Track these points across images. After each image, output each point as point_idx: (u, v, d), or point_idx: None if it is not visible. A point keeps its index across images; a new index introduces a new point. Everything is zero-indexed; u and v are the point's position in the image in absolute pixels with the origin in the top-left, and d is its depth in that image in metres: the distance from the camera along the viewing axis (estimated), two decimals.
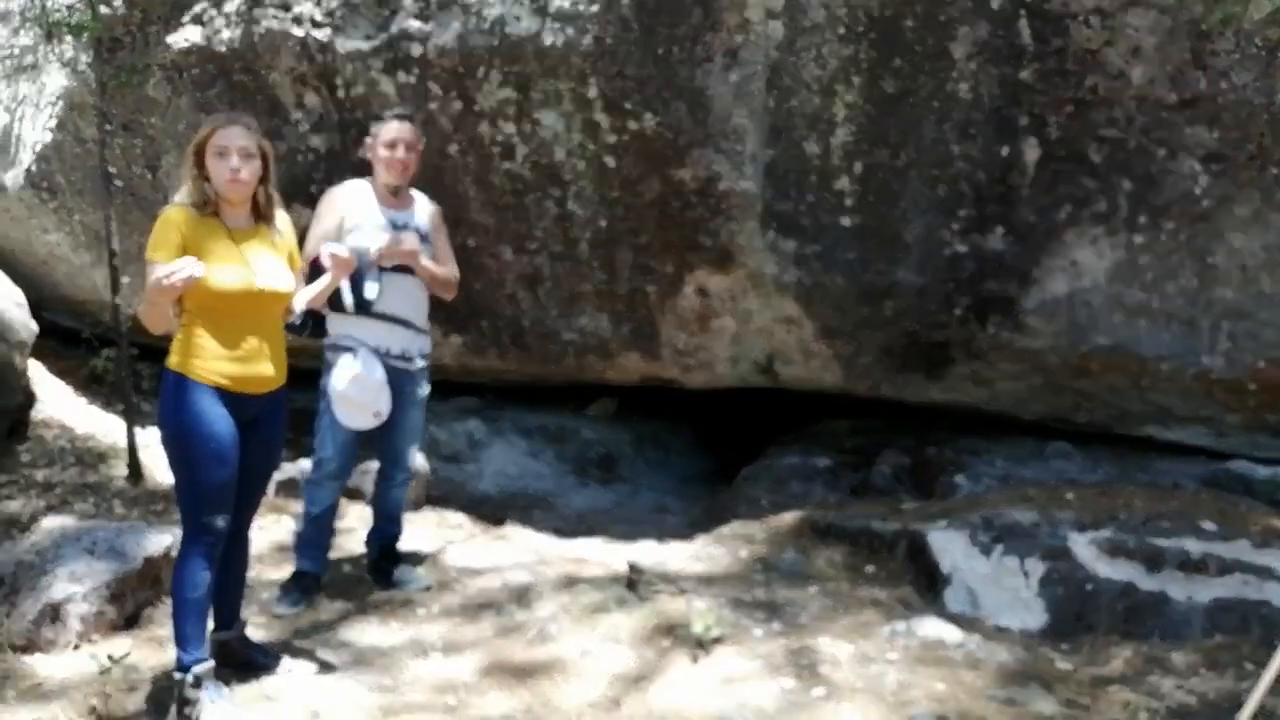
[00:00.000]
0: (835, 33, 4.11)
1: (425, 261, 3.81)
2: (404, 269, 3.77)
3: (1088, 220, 4.17)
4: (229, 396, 2.95)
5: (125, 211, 5.28)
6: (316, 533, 3.91)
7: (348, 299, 3.54)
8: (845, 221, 4.42)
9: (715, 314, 4.89)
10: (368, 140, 3.91)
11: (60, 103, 5.42)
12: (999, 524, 3.88)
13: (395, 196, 3.87)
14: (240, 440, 2.97)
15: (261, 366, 3.02)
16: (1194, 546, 3.64)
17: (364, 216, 3.79)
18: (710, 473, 6.36)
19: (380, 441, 4.02)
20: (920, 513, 4.30)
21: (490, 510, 5.20)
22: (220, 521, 2.97)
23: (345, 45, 4.55)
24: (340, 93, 4.71)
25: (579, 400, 6.48)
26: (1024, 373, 4.63)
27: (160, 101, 5.04)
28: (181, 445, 2.93)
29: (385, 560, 4.11)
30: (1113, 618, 3.55)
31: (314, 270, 3.51)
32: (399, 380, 3.81)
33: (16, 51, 5.72)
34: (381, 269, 3.66)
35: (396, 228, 3.79)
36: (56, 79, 5.42)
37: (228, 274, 2.93)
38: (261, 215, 3.08)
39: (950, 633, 3.51)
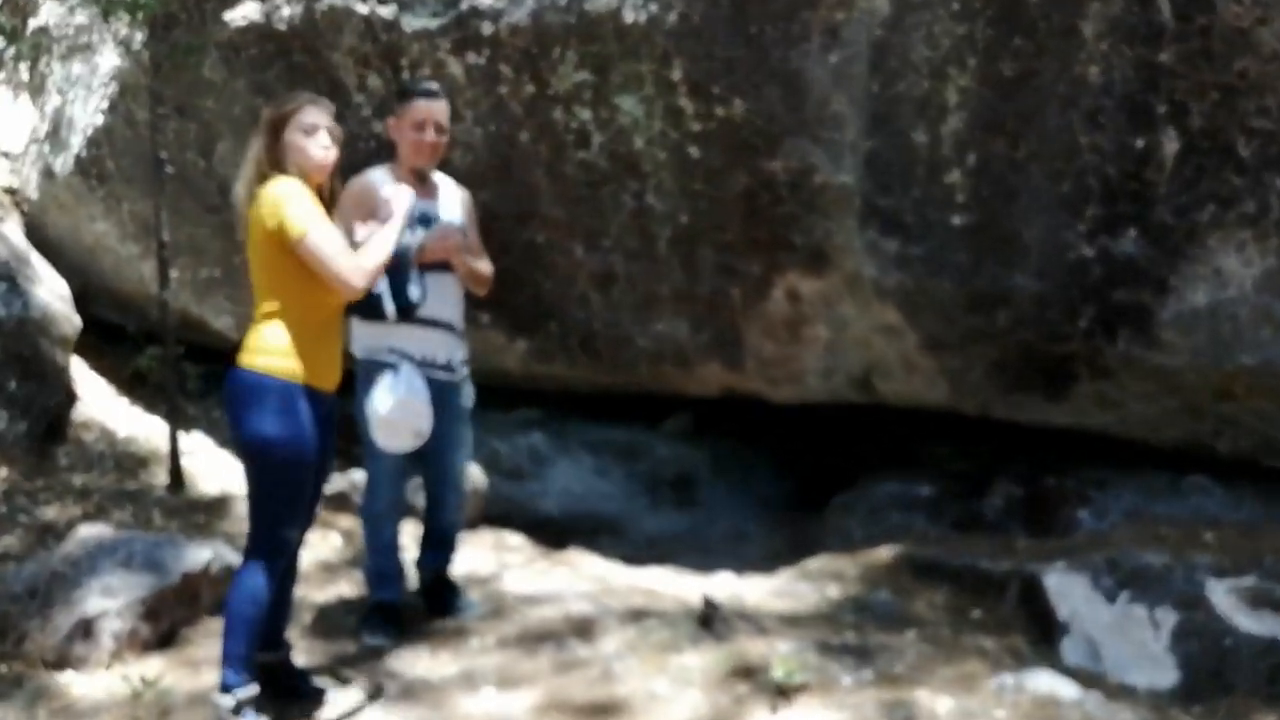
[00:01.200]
0: (948, 9, 4.05)
1: (467, 256, 3.80)
2: (441, 265, 3.72)
3: (1234, 222, 4.04)
4: (316, 396, 3.05)
5: (176, 200, 5.42)
6: (384, 563, 3.95)
7: (388, 305, 3.45)
8: (955, 220, 4.35)
9: (806, 321, 4.84)
10: (390, 120, 3.89)
11: (112, 84, 5.60)
12: (1126, 567, 3.81)
13: (422, 183, 3.84)
14: None
15: (339, 362, 3.15)
16: None
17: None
18: (796, 499, 6.29)
19: (426, 461, 3.99)
20: (1036, 551, 4.23)
21: (552, 532, 5.22)
22: (298, 534, 3.06)
23: (411, 23, 4.61)
24: (405, 75, 4.77)
25: (652, 414, 6.47)
26: (1158, 394, 4.50)
27: (216, 83, 5.17)
28: (278, 456, 2.99)
29: (438, 586, 4.13)
30: (1254, 677, 3.44)
31: None
32: (444, 393, 3.79)
33: (71, 31, 5.94)
34: (422, 268, 3.58)
35: (428, 219, 3.75)
36: (109, 59, 5.61)
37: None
38: (326, 201, 3.17)
39: (1066, 689, 3.41)
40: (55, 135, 6.16)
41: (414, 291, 3.49)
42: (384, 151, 4.98)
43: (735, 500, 6.18)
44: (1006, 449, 5.49)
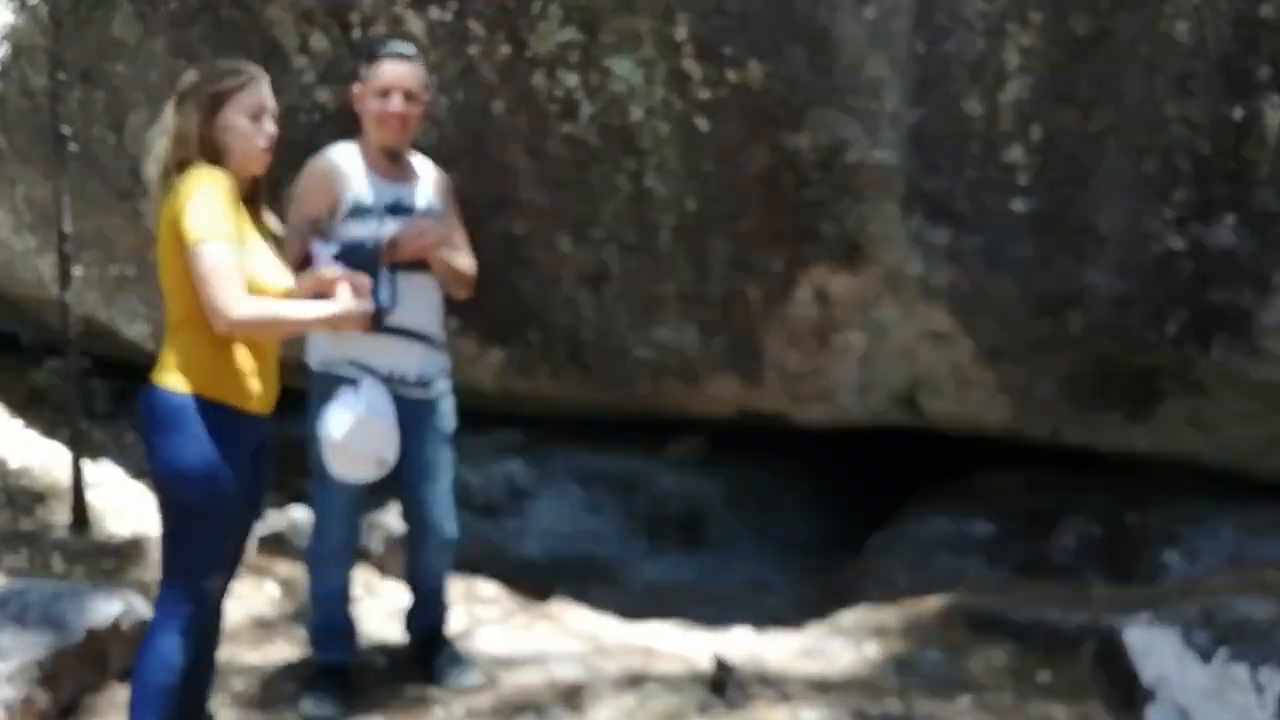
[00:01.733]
0: None
1: (446, 252, 3.81)
2: (416, 264, 3.72)
3: None
4: (249, 421, 3.04)
5: (81, 183, 5.41)
6: (332, 617, 3.95)
7: None
8: (1018, 205, 4.37)
9: (838, 327, 4.85)
10: (355, 87, 3.87)
11: (3, 45, 5.61)
12: (1224, 619, 3.78)
13: (394, 163, 3.84)
14: None
15: (273, 380, 3.13)
16: None
17: (359, 197, 3.75)
18: (828, 539, 6.28)
19: (403, 497, 4.00)
20: (1115, 601, 4.23)
21: (534, 581, 5.21)
22: (220, 585, 3.05)
23: None
24: (355, 33, 4.78)
25: (655, 438, 6.47)
26: (1261, 413, 4.53)
27: (128, 44, 5.18)
28: (196, 490, 2.97)
29: (428, 648, 4.13)
30: None
31: (305, 269, 3.54)
32: (417, 413, 3.79)
33: None
34: (393, 266, 3.59)
35: (401, 207, 3.76)
36: (0, 16, 5.61)
37: (274, 271, 3.07)
38: (250, 199, 3.16)
39: None
40: None
41: (383, 295, 3.45)
42: (328, 125, 5.00)
43: (755, 541, 6.18)
44: (1080, 480, 5.50)
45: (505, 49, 4.58)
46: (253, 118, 3.04)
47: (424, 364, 3.85)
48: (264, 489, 3.27)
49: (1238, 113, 4.07)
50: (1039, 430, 4.97)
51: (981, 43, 4.19)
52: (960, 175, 4.38)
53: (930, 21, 4.20)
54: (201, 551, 3.02)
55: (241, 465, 3.00)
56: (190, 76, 3.11)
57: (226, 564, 3.12)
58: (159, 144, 3.06)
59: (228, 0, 4.90)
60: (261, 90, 3.08)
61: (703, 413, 5.59)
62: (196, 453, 2.95)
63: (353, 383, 3.64)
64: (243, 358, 3.01)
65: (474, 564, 5.19)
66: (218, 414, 2.97)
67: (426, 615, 4.15)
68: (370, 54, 3.90)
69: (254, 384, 3.05)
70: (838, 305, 4.79)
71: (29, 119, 5.66)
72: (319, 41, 4.87)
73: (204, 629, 3.11)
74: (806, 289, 4.78)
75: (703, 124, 4.50)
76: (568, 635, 4.59)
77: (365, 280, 3.23)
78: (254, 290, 2.95)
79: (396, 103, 3.74)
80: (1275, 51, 3.98)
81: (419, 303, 3.77)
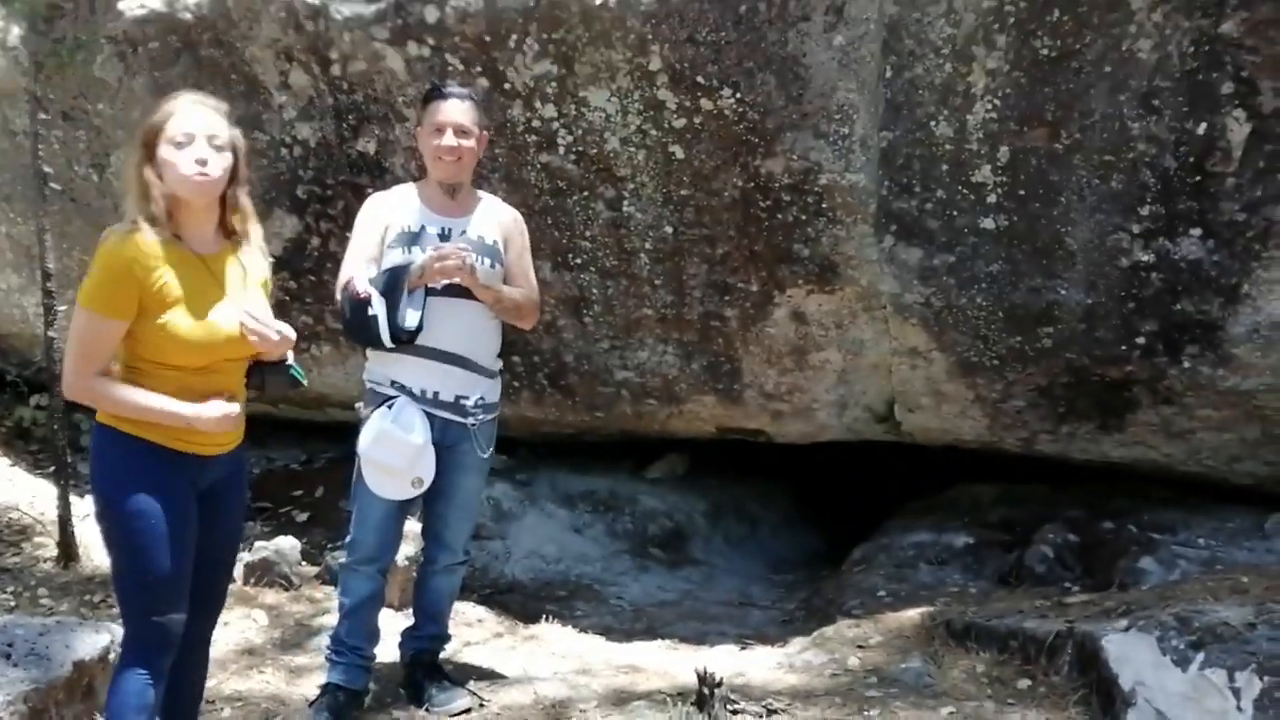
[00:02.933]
0: None
1: (486, 281, 3.79)
2: (461, 291, 3.76)
3: None
4: (181, 459, 2.97)
5: (64, 221, 5.42)
6: (353, 631, 3.94)
7: (383, 331, 3.59)
8: (987, 223, 4.40)
9: (815, 345, 4.88)
10: (415, 128, 3.97)
11: None
12: (1200, 624, 3.77)
13: (452, 198, 3.89)
14: (197, 516, 3.00)
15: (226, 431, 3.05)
16: None
17: (407, 226, 3.81)
18: (810, 554, 6.30)
19: (424, 513, 4.05)
20: (1092, 609, 4.21)
21: (519, 602, 5.21)
22: (174, 620, 2.98)
23: (342, 10, 4.64)
24: (335, 69, 4.80)
25: (637, 459, 6.47)
26: (1232, 421, 4.56)
27: (109, 84, 5.18)
28: (121, 520, 2.94)
29: (419, 671, 4.11)
30: None
31: (354, 307, 3.66)
32: (449, 435, 3.83)
33: None
34: (429, 291, 3.68)
35: (443, 238, 3.80)
36: None
37: (205, 322, 2.91)
38: (230, 231, 3.06)
39: None
40: None
41: (407, 316, 3.61)
42: (310, 159, 5.02)
43: (738, 558, 6.18)
44: (1056, 490, 5.52)
45: (483, 82, 4.60)
46: (177, 145, 2.88)
47: (460, 387, 3.85)
48: (235, 526, 3.22)
49: (1201, 127, 4.09)
50: (1014, 441, 4.99)
51: (949, 66, 4.21)
52: (931, 195, 4.40)
53: (898, 47, 4.22)
54: (139, 586, 2.95)
55: (174, 500, 2.92)
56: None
57: (175, 599, 2.97)
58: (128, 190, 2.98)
59: (208, 40, 4.90)
60: (189, 116, 2.91)
61: (684, 432, 5.60)
62: (125, 491, 2.91)
63: (392, 399, 3.75)
64: (183, 398, 2.91)
65: (461, 586, 5.19)
66: (144, 451, 2.91)
67: (423, 637, 4.14)
68: (426, 94, 3.96)
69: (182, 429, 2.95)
70: (814, 325, 4.81)
71: (11, 159, 5.65)
72: (299, 78, 4.88)
73: (177, 664, 3.05)
74: (783, 309, 4.80)
75: (678, 151, 4.53)
76: (554, 655, 4.58)
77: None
78: (167, 344, 2.86)
79: (449, 138, 3.79)
80: (1237, 66, 4.00)
81: (457, 327, 3.80)
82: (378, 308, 3.60)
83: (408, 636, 4.16)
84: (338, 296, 3.78)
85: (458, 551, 4.09)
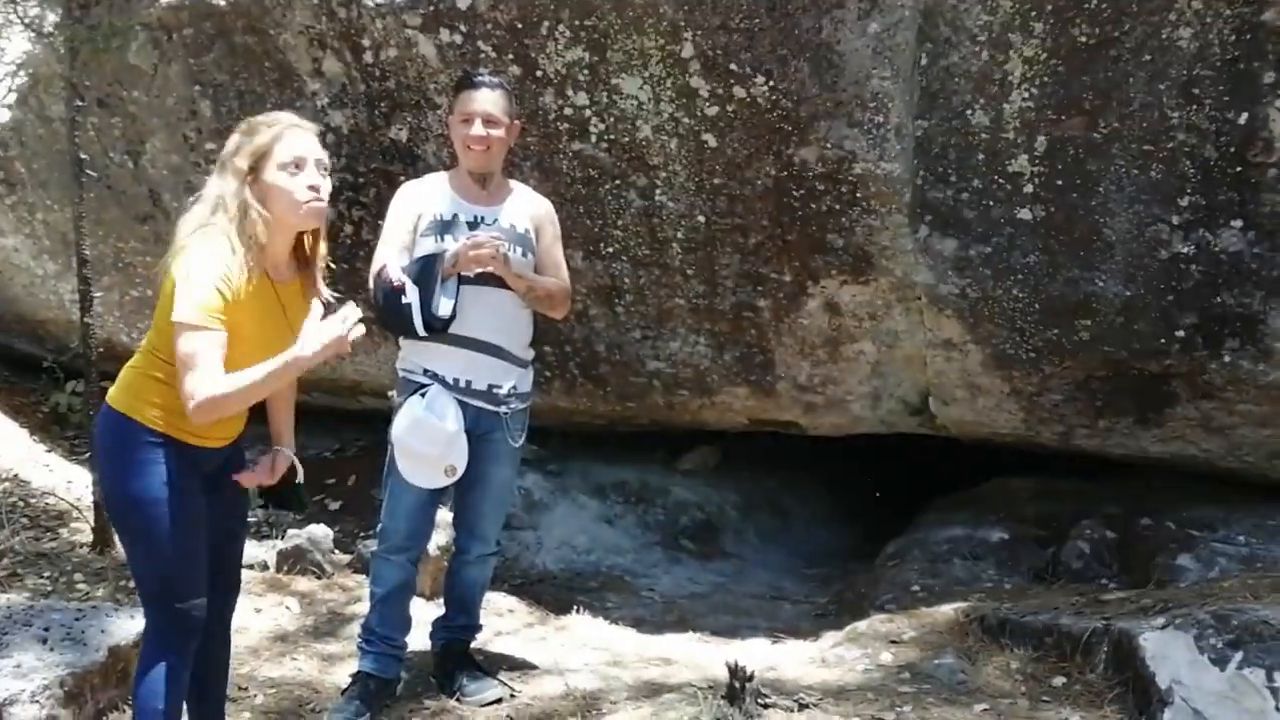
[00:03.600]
0: None
1: (518, 270, 3.80)
2: (493, 280, 3.77)
3: None
4: (186, 449, 2.98)
5: (100, 208, 5.47)
6: (384, 620, 3.95)
7: (416, 319, 3.62)
8: (1024, 214, 4.36)
9: (849, 337, 4.87)
10: (449, 117, 3.98)
11: (21, 74, 5.65)
12: (1239, 623, 3.74)
13: (483, 188, 3.90)
14: (205, 502, 3.01)
15: (235, 420, 3.06)
16: None
17: (439, 214, 3.83)
18: (843, 548, 6.28)
19: (455, 502, 4.07)
20: (1129, 606, 4.18)
21: (550, 593, 5.23)
22: (197, 605, 2.99)
23: None
24: (368, 56, 4.82)
25: (670, 450, 6.47)
26: (1273, 416, 4.50)
27: (144, 71, 5.22)
28: (139, 517, 2.94)
29: (451, 661, 4.13)
30: None
31: (387, 296, 3.67)
32: (482, 424, 3.84)
33: None
34: (462, 280, 3.71)
35: (474, 227, 3.81)
36: (18, 44, 5.65)
37: (257, 360, 2.85)
38: (304, 260, 3.03)
39: None
40: None
41: (440, 305, 3.64)
42: (343, 146, 5.03)
43: (770, 551, 6.18)
44: (1093, 485, 5.48)
45: (515, 69, 4.60)
46: (287, 170, 2.88)
47: (493, 376, 3.86)
48: (241, 510, 3.25)
49: (1243, 117, 4.05)
50: (1050, 436, 4.96)
51: (985, 54, 4.19)
52: (967, 185, 4.37)
53: (933, 35, 4.20)
54: (155, 572, 2.97)
55: (183, 490, 2.93)
56: (231, 143, 2.97)
57: (194, 584, 2.98)
58: (196, 211, 2.94)
59: (242, 27, 4.93)
60: (299, 139, 2.93)
61: (716, 424, 5.59)
62: (136, 480, 2.92)
63: (425, 387, 3.78)
64: (169, 393, 2.89)
65: (492, 576, 5.21)
66: (156, 442, 2.92)
67: (455, 627, 4.16)
68: (457, 83, 3.99)
69: (182, 420, 2.90)
70: (848, 316, 4.80)
71: (47, 145, 5.71)
72: (332, 65, 4.90)
73: (201, 649, 3.06)
74: (817, 300, 4.79)
75: (710, 139, 4.52)
76: (584, 646, 4.59)
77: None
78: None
79: (478, 127, 3.80)
80: (1279, 55, 3.96)
81: (490, 316, 3.82)
82: (412, 296, 3.62)
83: (439, 626, 4.18)
84: (370, 285, 3.79)
85: (490, 542, 4.10)
